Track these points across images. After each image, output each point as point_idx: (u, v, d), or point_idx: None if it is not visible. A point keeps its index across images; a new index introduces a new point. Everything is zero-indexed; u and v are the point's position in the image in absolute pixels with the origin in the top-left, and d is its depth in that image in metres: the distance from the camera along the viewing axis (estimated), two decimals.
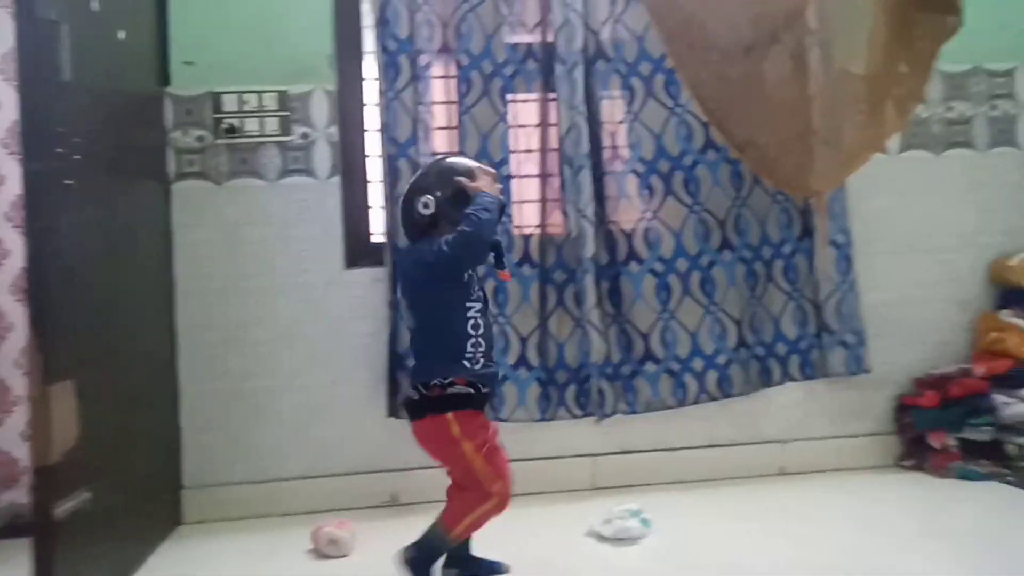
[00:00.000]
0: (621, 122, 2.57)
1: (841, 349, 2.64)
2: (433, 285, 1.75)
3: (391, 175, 2.44)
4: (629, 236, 2.58)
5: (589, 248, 2.50)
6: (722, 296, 2.60)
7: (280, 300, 2.50)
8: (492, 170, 1.89)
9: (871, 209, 2.68)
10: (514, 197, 2.56)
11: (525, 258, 2.54)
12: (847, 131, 1.45)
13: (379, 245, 2.51)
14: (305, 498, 2.44)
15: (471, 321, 1.73)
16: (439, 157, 2.18)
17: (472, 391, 1.74)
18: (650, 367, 2.57)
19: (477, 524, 1.75)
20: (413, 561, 1.73)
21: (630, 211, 2.58)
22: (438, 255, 1.69)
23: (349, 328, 2.52)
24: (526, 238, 2.55)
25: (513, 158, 2.56)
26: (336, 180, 2.53)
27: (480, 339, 1.74)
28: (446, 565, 1.82)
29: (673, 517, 2.17)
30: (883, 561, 1.87)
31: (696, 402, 2.60)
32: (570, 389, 2.53)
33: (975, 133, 2.78)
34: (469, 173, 1.79)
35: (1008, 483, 2.39)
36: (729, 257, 2.61)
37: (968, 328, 2.76)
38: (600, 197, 2.56)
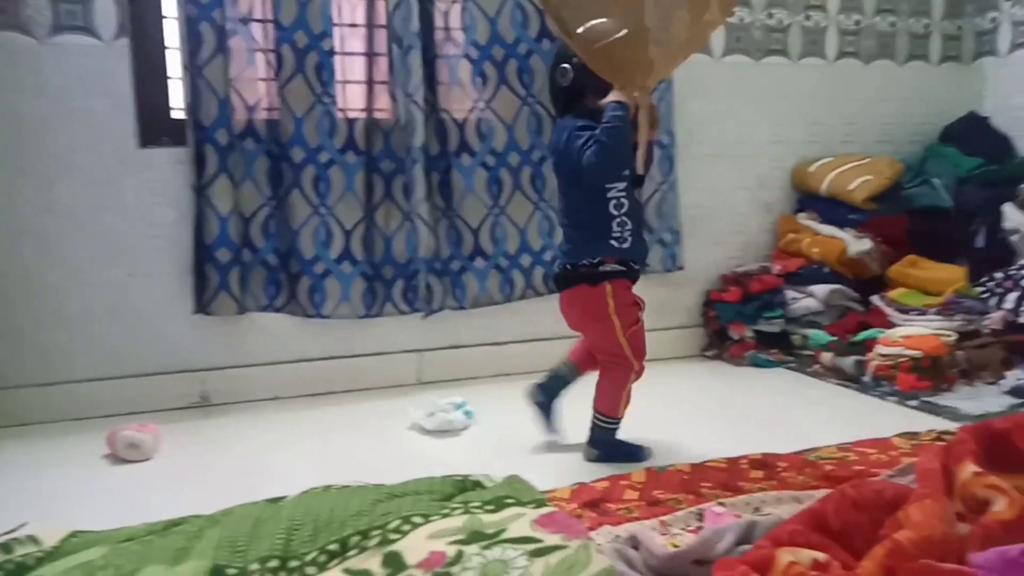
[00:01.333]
0: (455, 1, 2.42)
1: (659, 247, 2.76)
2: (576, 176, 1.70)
3: (191, 40, 2.14)
4: (461, 126, 2.48)
5: (419, 136, 2.37)
6: (551, 193, 2.60)
7: (63, 184, 2.18)
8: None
9: (692, 112, 2.77)
10: (337, 76, 2.36)
11: (349, 144, 2.37)
12: (674, 27, 1.43)
13: (180, 122, 2.23)
14: (101, 401, 2.22)
15: (613, 201, 1.69)
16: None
17: (624, 268, 1.73)
18: (479, 263, 2.55)
19: (629, 398, 1.78)
20: (603, 455, 1.75)
21: (463, 99, 2.47)
22: (583, 167, 1.64)
23: (147, 216, 2.26)
24: (350, 122, 2.38)
25: (336, 32, 2.34)
26: (124, 42, 2.18)
27: (625, 217, 1.70)
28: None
29: (497, 408, 2.21)
30: (680, 432, 2.01)
31: (523, 297, 2.63)
32: (397, 284, 2.46)
33: (790, 42, 2.92)
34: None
35: (791, 368, 2.66)
36: (468, 162, 2.51)
37: (771, 229, 2.99)
38: (431, 82, 2.42)
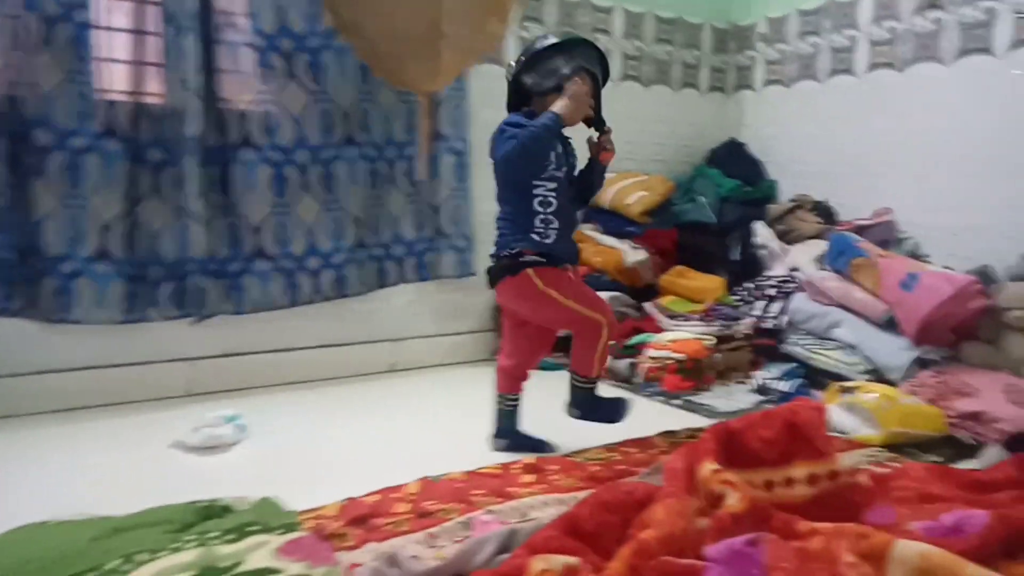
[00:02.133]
0: None
1: (453, 252, 2.77)
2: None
3: None
4: (243, 117, 2.31)
5: (194, 126, 2.18)
6: (343, 193, 2.52)
7: None
8: (582, 89, 1.74)
9: (487, 121, 2.80)
10: (98, 52, 2.10)
11: (110, 129, 2.12)
12: (468, 34, 1.43)
13: None
14: None
15: (539, 198, 1.75)
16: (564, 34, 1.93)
17: (543, 260, 1.76)
18: (261, 264, 2.40)
19: (604, 355, 1.83)
20: (585, 415, 1.83)
21: (245, 89, 2.31)
22: (495, 159, 1.76)
23: None
24: (112, 105, 2.13)
25: (97, 4, 2.09)
26: None
27: (551, 216, 1.76)
28: (496, 435, 1.90)
29: (276, 421, 2.09)
30: (471, 432, 2.03)
31: (310, 302, 2.52)
32: (164, 287, 2.24)
33: None
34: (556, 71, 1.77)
35: None
36: (353, 153, 2.52)
37: None
38: (210, 68, 2.24)
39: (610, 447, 1.77)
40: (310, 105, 2.39)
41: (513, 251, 1.76)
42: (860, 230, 2.65)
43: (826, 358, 2.38)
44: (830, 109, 2.97)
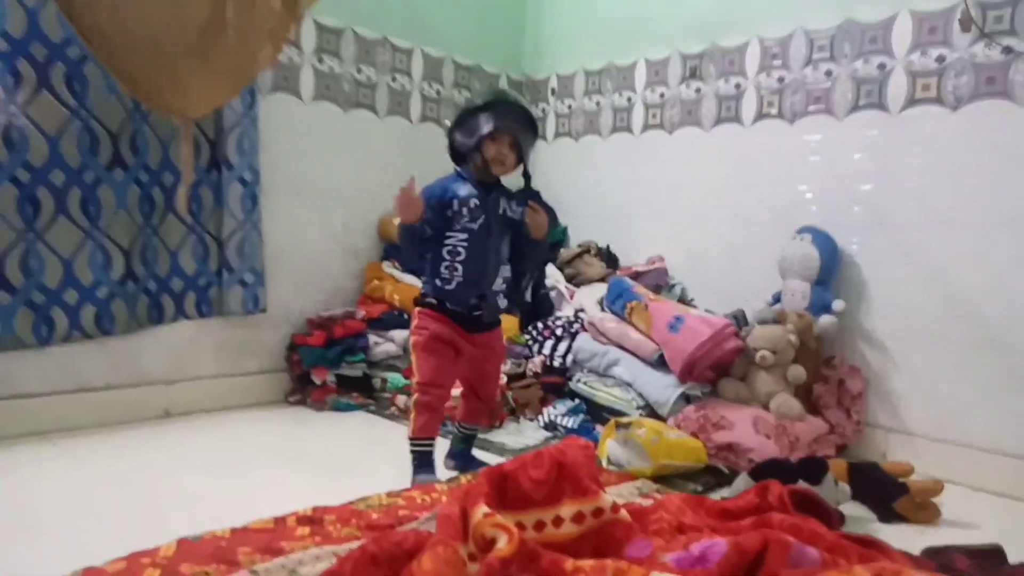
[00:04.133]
0: None
1: (239, 287, 2.61)
2: None
3: None
4: None
5: None
6: (109, 220, 2.28)
7: None
8: (408, 196, 1.83)
9: (279, 152, 2.72)
10: None
11: None
12: (237, 57, 1.35)
13: None
14: None
15: (448, 247, 1.92)
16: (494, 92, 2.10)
17: (436, 304, 1.93)
18: (2, 297, 2.09)
19: (416, 417, 1.94)
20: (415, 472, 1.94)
21: None
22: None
23: None
24: None
25: None
26: None
27: (457, 264, 1.91)
28: (448, 455, 2.11)
29: (14, 475, 1.81)
30: (254, 483, 1.90)
31: (67, 340, 2.23)
32: None
33: (378, 98, 3.06)
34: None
35: (371, 411, 2.73)
36: (121, 177, 2.30)
37: (358, 275, 3.06)
38: None
39: (392, 493, 1.73)
40: (68, 121, 2.15)
41: (423, 292, 1.98)
42: (636, 275, 2.88)
43: (606, 394, 2.53)
44: (611, 163, 3.22)
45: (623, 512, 1.35)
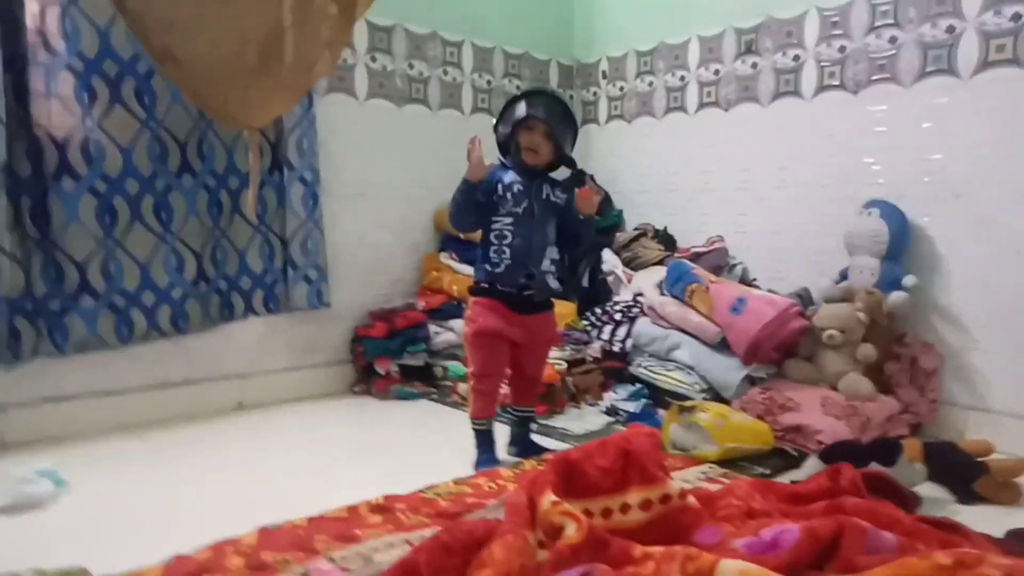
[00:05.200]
0: (50, 3, 2.08)
1: (304, 284, 2.69)
2: None
3: None
4: (62, 146, 2.13)
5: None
6: (180, 225, 2.38)
7: None
8: (475, 152, 1.94)
9: (336, 152, 2.77)
10: None
11: None
12: (297, 67, 1.39)
13: None
14: None
15: (495, 232, 1.99)
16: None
17: (489, 288, 1.99)
18: (87, 302, 2.21)
19: (479, 399, 2.03)
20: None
21: (64, 116, 2.13)
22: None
23: None
24: None
25: None
26: None
27: (505, 247, 1.96)
28: (510, 443, 2.16)
29: (101, 472, 1.92)
30: (326, 472, 1.97)
31: (146, 339, 2.35)
32: None
33: (430, 92, 3.09)
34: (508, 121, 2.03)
35: (433, 399, 2.78)
36: (190, 183, 2.39)
37: (417, 267, 3.11)
38: (20, 92, 2.05)
39: (459, 481, 1.76)
40: (139, 132, 2.24)
41: (476, 279, 2.05)
42: (696, 257, 2.83)
43: (667, 379, 2.51)
44: (666, 143, 3.17)
45: (691, 498, 1.35)
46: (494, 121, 2.09)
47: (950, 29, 2.31)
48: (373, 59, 2.90)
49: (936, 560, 1.02)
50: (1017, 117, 2.17)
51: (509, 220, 1.98)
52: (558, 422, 2.45)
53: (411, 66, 3.01)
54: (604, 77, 3.44)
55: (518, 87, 3.38)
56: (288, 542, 1.37)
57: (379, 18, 2.89)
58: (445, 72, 3.12)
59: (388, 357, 2.83)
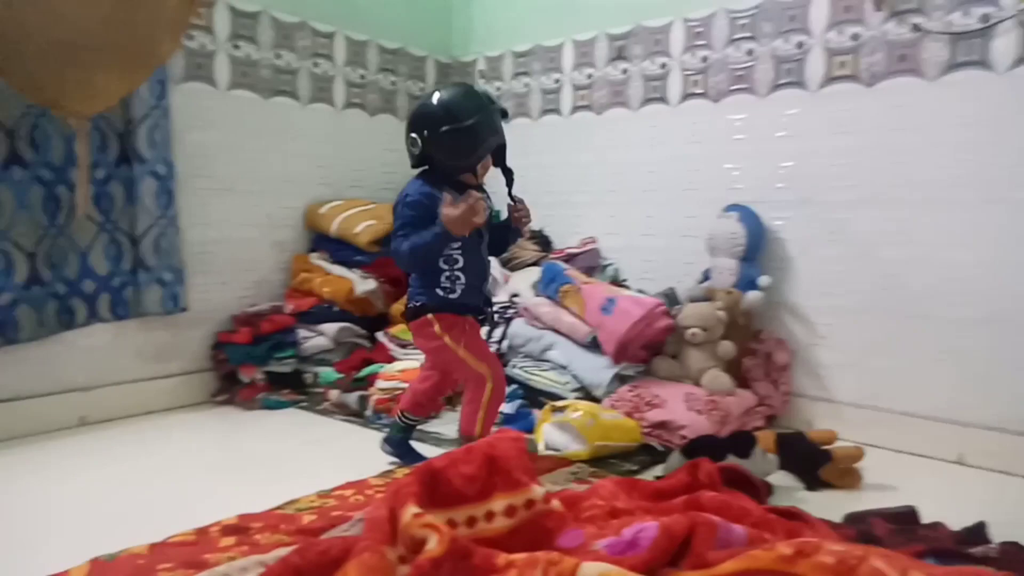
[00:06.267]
0: None
1: (157, 287, 2.50)
2: None
3: None
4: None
5: None
6: (8, 223, 2.14)
7: None
8: (473, 197, 1.76)
9: (195, 143, 2.60)
10: None
11: None
12: (132, 50, 1.27)
13: None
14: None
15: (444, 257, 1.84)
16: (450, 88, 1.87)
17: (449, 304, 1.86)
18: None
19: (490, 414, 1.91)
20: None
21: None
22: (392, 252, 1.85)
23: None
24: None
25: None
26: None
27: (458, 272, 1.86)
28: (384, 440, 2.06)
29: None
30: (178, 492, 1.83)
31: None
32: None
33: (299, 84, 2.96)
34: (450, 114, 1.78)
35: (303, 408, 2.66)
36: (21, 175, 2.16)
37: (284, 268, 2.97)
38: None
39: (324, 493, 1.69)
40: None
41: (417, 304, 1.88)
42: (570, 258, 2.88)
43: (542, 379, 2.53)
44: (543, 145, 3.20)
45: (555, 502, 1.35)
46: (416, 133, 1.81)
47: (800, 44, 2.45)
48: (236, 47, 2.74)
49: (779, 551, 1.07)
50: (860, 127, 2.33)
51: (457, 244, 1.84)
52: (432, 426, 2.41)
53: (278, 56, 2.87)
54: (481, 76, 3.42)
55: (393, 83, 3.30)
56: (125, 574, 1.25)
57: (244, 3, 2.73)
58: (316, 64, 3.00)
59: (253, 364, 2.68)
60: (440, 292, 1.86)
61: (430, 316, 1.87)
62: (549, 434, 2.18)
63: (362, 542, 1.13)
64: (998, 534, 1.50)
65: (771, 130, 2.52)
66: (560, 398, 2.39)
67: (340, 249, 2.94)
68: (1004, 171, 2.09)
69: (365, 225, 2.90)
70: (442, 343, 1.87)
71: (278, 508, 1.58)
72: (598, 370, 2.40)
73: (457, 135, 1.77)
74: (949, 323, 2.19)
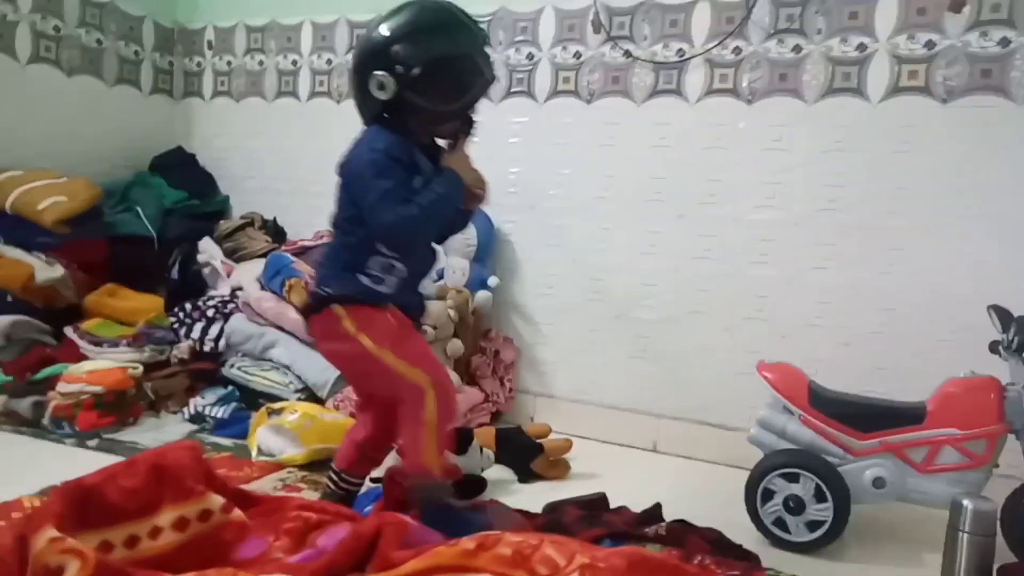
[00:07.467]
0: None
1: None
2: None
3: None
4: None
5: None
6: None
7: None
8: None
9: None
10: None
11: None
12: None
13: None
14: None
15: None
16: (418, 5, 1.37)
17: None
18: None
19: (440, 435, 1.34)
20: (431, 519, 1.26)
21: None
22: (376, 224, 1.34)
23: None
24: None
25: None
26: None
27: (395, 263, 1.40)
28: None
29: None
30: None
31: None
32: None
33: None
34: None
35: None
36: None
37: None
38: None
39: None
40: None
41: (324, 293, 1.41)
42: (303, 251, 2.72)
43: (262, 380, 2.36)
44: (279, 130, 3.00)
45: (236, 511, 1.22)
46: (378, 74, 1.34)
47: (530, 56, 2.56)
48: None
49: (462, 546, 1.06)
50: (577, 140, 2.48)
51: None
52: (128, 435, 2.14)
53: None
54: (210, 48, 3.12)
55: (99, 40, 2.88)
56: None
57: None
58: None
59: None
60: (365, 280, 1.39)
61: (337, 308, 1.38)
62: (264, 438, 2.03)
63: None
64: (676, 512, 1.66)
65: (504, 135, 2.60)
66: (282, 400, 2.24)
67: (18, 228, 2.49)
68: (692, 188, 2.34)
69: (52, 201, 2.48)
70: (356, 346, 1.36)
71: None
72: (323, 370, 2.28)
73: (448, 68, 1.34)
74: (643, 323, 2.42)
